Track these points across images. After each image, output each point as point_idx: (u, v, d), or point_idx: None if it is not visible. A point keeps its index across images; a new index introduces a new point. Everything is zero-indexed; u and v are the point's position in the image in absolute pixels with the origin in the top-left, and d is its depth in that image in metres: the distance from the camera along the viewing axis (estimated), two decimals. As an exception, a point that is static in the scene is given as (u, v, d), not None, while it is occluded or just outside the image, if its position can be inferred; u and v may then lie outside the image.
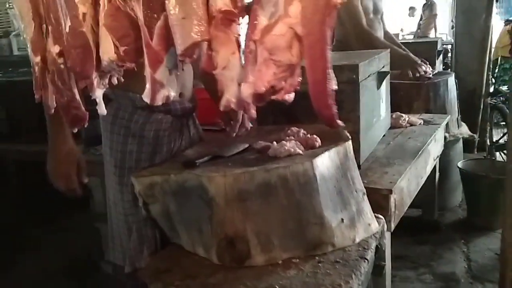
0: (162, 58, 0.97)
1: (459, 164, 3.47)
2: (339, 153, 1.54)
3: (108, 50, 1.02)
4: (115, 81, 1.13)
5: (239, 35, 0.92)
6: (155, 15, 0.94)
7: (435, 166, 2.96)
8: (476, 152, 5.25)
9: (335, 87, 0.88)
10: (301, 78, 0.95)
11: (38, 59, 1.04)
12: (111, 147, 1.70)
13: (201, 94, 2.43)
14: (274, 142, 1.57)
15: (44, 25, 1.08)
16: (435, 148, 2.74)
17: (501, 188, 3.26)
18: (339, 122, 0.91)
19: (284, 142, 1.56)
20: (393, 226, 1.91)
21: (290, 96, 0.95)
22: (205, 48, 0.94)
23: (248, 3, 0.92)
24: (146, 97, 1.01)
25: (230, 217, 1.43)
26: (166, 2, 0.91)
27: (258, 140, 1.74)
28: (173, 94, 1.01)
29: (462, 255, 2.93)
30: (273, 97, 0.92)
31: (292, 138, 1.64)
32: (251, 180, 1.40)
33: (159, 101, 1.00)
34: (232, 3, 0.88)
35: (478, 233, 3.19)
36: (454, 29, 5.65)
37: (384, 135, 2.54)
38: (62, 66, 1.06)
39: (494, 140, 5.50)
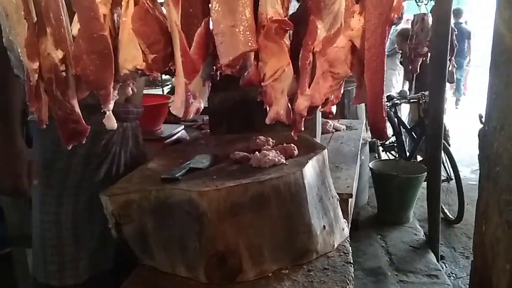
0: (199, 68, 0.89)
1: (371, 165, 3.76)
2: (319, 161, 1.57)
3: (134, 58, 0.90)
4: (129, 92, 1.01)
5: (290, 45, 0.89)
6: (195, 21, 0.86)
7: (356, 168, 3.17)
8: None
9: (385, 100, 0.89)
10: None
11: (36, 65, 0.86)
12: (43, 145, 1.58)
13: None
14: (257, 152, 1.54)
15: (37, 26, 0.91)
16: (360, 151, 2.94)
17: (408, 186, 3.66)
18: (388, 134, 0.93)
19: (265, 152, 1.53)
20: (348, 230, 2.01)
21: (334, 108, 0.95)
22: (252, 58, 0.88)
23: (292, 13, 0.90)
24: (177, 110, 0.92)
25: (222, 232, 1.36)
26: (212, 8, 0.84)
27: (222, 149, 1.69)
28: (202, 106, 0.94)
29: (383, 249, 3.19)
30: (321, 109, 0.91)
31: (269, 147, 1.62)
32: (244, 193, 1.36)
33: (191, 114, 0.92)
34: (284, 11, 0.85)
35: (391, 228, 3.49)
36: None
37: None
38: (63, 74, 0.90)
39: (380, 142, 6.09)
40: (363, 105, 3.84)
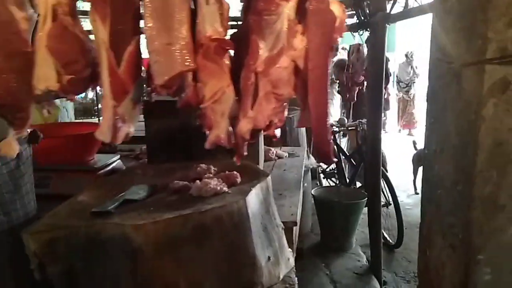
0: (129, 89, 0.82)
1: (313, 192, 3.77)
2: (262, 188, 1.52)
3: (47, 78, 0.81)
4: (45, 113, 0.90)
5: (231, 65, 0.84)
6: (125, 39, 0.79)
7: (299, 196, 3.15)
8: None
9: (332, 123, 0.87)
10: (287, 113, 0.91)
11: None
12: None
13: (62, 130, 2.16)
14: (197, 181, 1.46)
15: None
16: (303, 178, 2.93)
17: (350, 212, 3.69)
18: (334, 158, 0.90)
19: (207, 180, 1.46)
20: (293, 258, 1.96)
21: (278, 132, 0.91)
22: (189, 79, 0.83)
23: (233, 33, 0.86)
24: (103, 135, 0.83)
25: (160, 268, 1.26)
26: (145, 25, 0.78)
27: (161, 179, 1.60)
28: (132, 131, 0.86)
29: (327, 278, 3.16)
30: (265, 133, 0.87)
31: (211, 175, 1.55)
32: (184, 225, 1.27)
33: (120, 140, 0.84)
34: (223, 30, 0.81)
35: (335, 255, 3.49)
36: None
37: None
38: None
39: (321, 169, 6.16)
40: (304, 131, 3.87)
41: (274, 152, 3.01)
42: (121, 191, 1.54)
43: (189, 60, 0.79)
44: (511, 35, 0.99)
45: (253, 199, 1.44)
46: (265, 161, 2.83)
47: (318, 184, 5.71)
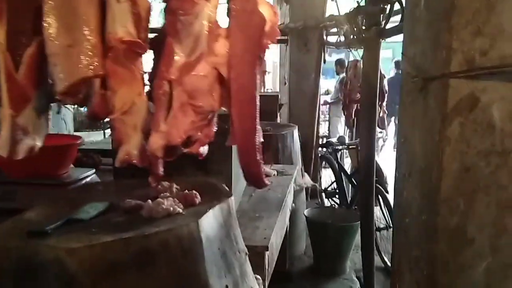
0: (30, 96, 0.72)
1: (305, 213, 3.65)
2: (223, 210, 1.41)
3: None
4: None
5: (145, 72, 0.74)
6: (24, 40, 0.70)
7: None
8: (309, 199, 5.67)
9: (261, 139, 0.77)
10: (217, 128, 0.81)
11: None
12: None
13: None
14: (149, 200, 1.35)
15: None
16: (290, 198, 2.82)
17: (344, 235, 3.55)
18: (266, 180, 0.79)
19: (160, 200, 1.35)
20: (267, 285, 1.84)
21: (205, 149, 0.81)
22: (97, 86, 0.73)
23: (154, 36, 0.76)
24: (0, 148, 0.73)
25: (97, 298, 1.15)
26: (45, 23, 0.68)
27: (119, 196, 1.50)
28: (39, 144, 0.76)
29: (315, 304, 3.01)
30: (185, 150, 0.76)
31: (167, 194, 1.44)
32: (125, 249, 1.17)
33: (20, 154, 0.74)
34: (137, 32, 0.71)
35: (326, 279, 3.34)
36: (287, 85, 6.16)
37: (245, 187, 2.50)
38: None
39: (323, 188, 6.05)
40: (297, 150, 3.76)
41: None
42: (75, 209, 1.45)
43: (95, 65, 0.70)
44: (478, 45, 0.87)
45: (210, 222, 1.33)
46: (251, 179, 2.74)
47: (319, 203, 5.59)
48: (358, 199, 4.23)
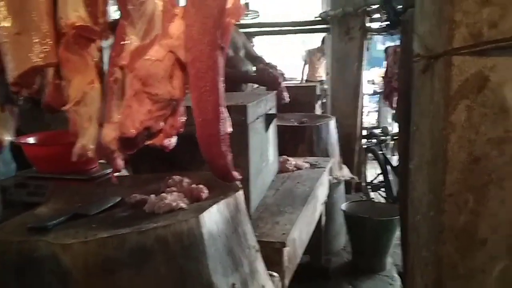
0: (-14, 88, 0.69)
1: (343, 207, 3.53)
2: (229, 205, 1.35)
3: None
4: None
5: (100, 59, 0.70)
6: (-26, 27, 0.67)
7: (321, 211, 2.93)
8: (353, 193, 5.51)
9: (229, 129, 0.70)
10: (185, 118, 0.76)
11: None
12: None
13: (63, 138, 2.11)
14: (152, 195, 1.32)
15: None
16: (322, 192, 2.72)
17: (383, 230, 3.40)
18: (235, 174, 0.73)
19: (164, 194, 1.32)
20: (287, 283, 1.76)
21: (171, 141, 0.76)
22: (50, 75, 0.69)
23: (114, 20, 0.71)
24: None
25: (94, 295, 1.13)
26: (-7, 9, 0.65)
27: (133, 191, 1.48)
28: (8, 138, 0.74)
29: (352, 301, 2.90)
30: (148, 142, 0.71)
31: (174, 189, 1.40)
32: (120, 246, 1.14)
33: (-17, 149, 0.72)
34: (91, 17, 0.66)
35: (363, 277, 3.22)
36: (329, 75, 6.01)
37: (273, 181, 2.45)
38: None
39: (369, 180, 5.87)
40: (334, 142, 3.63)
41: (293, 162, 2.82)
42: (87, 203, 1.45)
43: (46, 53, 0.66)
44: (486, 16, 0.75)
45: (214, 217, 1.28)
46: (281, 172, 2.68)
47: (363, 197, 5.44)
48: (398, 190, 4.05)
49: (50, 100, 0.70)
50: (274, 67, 3.46)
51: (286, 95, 3.37)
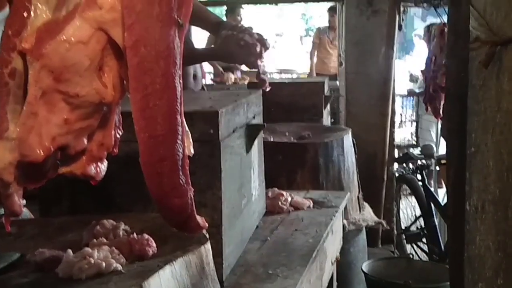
0: None
1: (364, 267, 3.55)
2: (190, 266, 1.36)
3: None
4: None
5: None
6: None
7: (332, 273, 2.94)
8: (380, 245, 5.54)
9: (191, 151, 0.71)
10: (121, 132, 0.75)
11: None
12: None
13: None
14: (69, 251, 1.31)
15: None
16: (332, 245, 2.72)
17: (424, 302, 3.41)
18: (200, 220, 0.73)
19: (88, 249, 1.32)
20: None
21: (100, 168, 0.75)
22: None
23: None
24: None
25: None
26: None
27: (39, 244, 1.48)
28: None
29: None
30: (63, 170, 0.71)
31: (104, 241, 1.40)
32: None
33: None
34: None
35: None
36: (342, 67, 6.08)
37: (257, 226, 2.44)
38: None
39: (403, 227, 5.91)
40: (350, 167, 3.66)
41: (289, 199, 2.81)
42: None
43: None
44: None
45: (165, 285, 1.28)
46: (270, 213, 2.68)
47: (395, 252, 5.47)
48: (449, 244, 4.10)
49: None
50: (246, 31, 3.01)
51: (265, 79, 3.08)
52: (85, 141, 0.73)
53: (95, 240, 1.42)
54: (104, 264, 1.29)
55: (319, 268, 2.38)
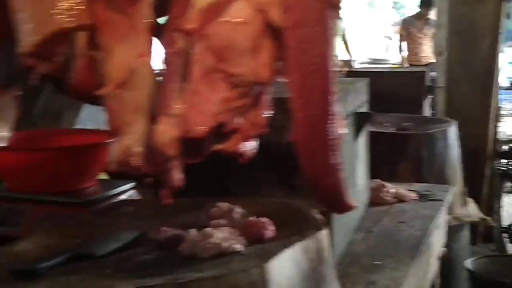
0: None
1: (469, 265, 3.49)
2: (308, 251, 1.40)
3: None
4: None
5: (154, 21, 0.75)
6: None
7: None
8: (479, 243, 5.43)
9: (342, 131, 0.73)
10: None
11: None
12: None
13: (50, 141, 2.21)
14: (192, 230, 1.39)
15: None
16: (438, 240, 2.70)
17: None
18: (350, 200, 0.75)
19: (209, 230, 1.38)
20: None
21: (250, 147, 0.79)
22: (81, 43, 0.74)
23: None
24: None
25: None
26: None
27: (157, 224, 1.54)
28: (4, 133, 0.80)
29: None
30: (218, 147, 0.76)
31: (223, 222, 1.47)
32: (149, 304, 1.19)
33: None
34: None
35: None
36: (444, 57, 5.95)
37: (361, 218, 2.46)
38: None
39: (505, 224, 5.76)
40: (454, 160, 3.60)
41: (392, 191, 2.81)
42: (88, 239, 1.53)
43: (77, 10, 0.69)
44: None
45: (285, 268, 1.33)
46: (374, 205, 2.68)
47: (497, 250, 5.37)
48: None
49: (79, 80, 0.75)
50: None
51: None
52: (239, 120, 0.77)
53: (215, 221, 1.47)
54: (225, 244, 1.34)
55: (425, 262, 2.37)
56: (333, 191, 0.76)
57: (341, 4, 0.70)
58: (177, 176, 0.87)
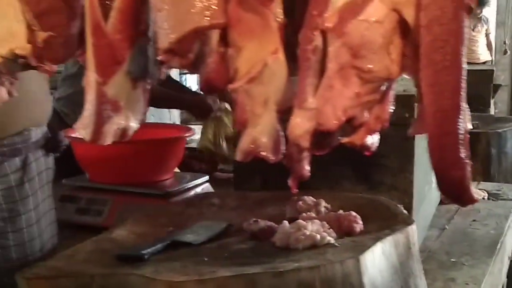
0: (123, 57, 0.80)
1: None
2: (398, 245, 1.41)
3: (12, 35, 0.84)
4: (4, 96, 0.95)
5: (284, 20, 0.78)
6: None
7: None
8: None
9: (469, 126, 0.76)
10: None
11: None
12: None
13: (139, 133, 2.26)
14: (285, 222, 1.42)
15: None
16: (510, 239, 2.67)
17: None
18: (475, 193, 0.78)
19: (301, 222, 1.40)
20: None
21: (374, 141, 0.82)
22: (214, 41, 0.78)
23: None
24: (83, 129, 0.83)
25: None
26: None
27: (242, 215, 1.58)
28: (134, 125, 0.84)
29: None
30: (344, 141, 0.79)
31: (312, 215, 1.48)
32: (248, 290, 1.22)
33: (107, 138, 0.83)
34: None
35: None
36: (508, 55, 5.87)
37: (434, 215, 2.46)
38: None
39: None
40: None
41: (463, 189, 2.80)
42: (179, 228, 1.58)
43: (213, 10, 0.73)
44: None
45: (377, 261, 1.34)
46: (443, 203, 2.67)
47: None
48: None
49: (213, 74, 0.78)
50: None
51: None
52: (366, 114, 0.80)
53: (305, 214, 1.50)
54: (318, 236, 1.36)
55: (500, 261, 2.35)
56: (461, 183, 0.78)
57: (473, 5, 0.73)
58: (306, 167, 0.90)
